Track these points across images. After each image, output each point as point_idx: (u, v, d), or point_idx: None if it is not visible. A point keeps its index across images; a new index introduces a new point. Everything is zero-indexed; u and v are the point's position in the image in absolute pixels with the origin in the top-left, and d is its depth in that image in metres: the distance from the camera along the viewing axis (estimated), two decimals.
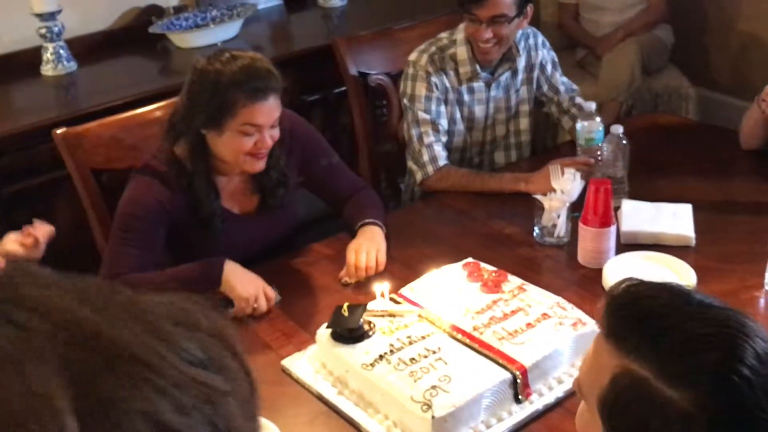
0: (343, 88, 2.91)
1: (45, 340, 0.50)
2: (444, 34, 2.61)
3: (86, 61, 3.31)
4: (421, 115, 2.53)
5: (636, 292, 1.06)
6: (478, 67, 2.56)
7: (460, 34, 2.55)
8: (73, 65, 3.25)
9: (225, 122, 1.96)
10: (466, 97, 2.60)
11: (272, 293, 1.98)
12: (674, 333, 0.99)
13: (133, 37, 3.46)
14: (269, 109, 1.97)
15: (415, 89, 2.55)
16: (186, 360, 0.54)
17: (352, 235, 2.18)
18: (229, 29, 3.49)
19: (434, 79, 2.53)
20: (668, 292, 1.05)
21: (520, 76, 2.66)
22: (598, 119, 2.44)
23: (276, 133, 2.03)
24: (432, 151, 2.52)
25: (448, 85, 2.56)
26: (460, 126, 2.64)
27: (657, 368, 0.97)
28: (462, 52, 2.55)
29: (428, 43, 2.60)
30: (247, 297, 1.93)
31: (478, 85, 2.60)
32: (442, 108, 2.56)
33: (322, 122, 3.34)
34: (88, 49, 3.39)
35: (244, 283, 1.95)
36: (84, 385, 0.49)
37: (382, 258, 2.09)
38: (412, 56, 2.59)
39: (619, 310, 1.04)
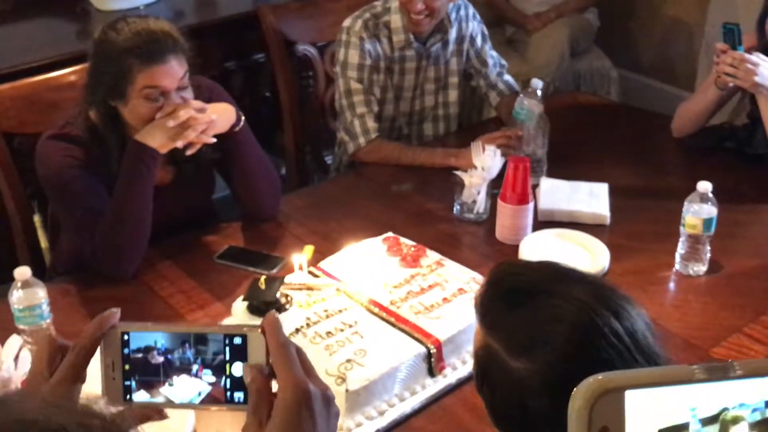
0: (262, 55, 2.84)
1: None
2: (378, 2, 2.60)
3: (0, 20, 3.18)
4: (354, 84, 2.52)
5: (505, 271, 1.12)
6: (411, 36, 2.56)
7: (394, 2, 2.54)
8: None
9: (126, 91, 1.90)
10: (397, 66, 2.60)
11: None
12: (527, 308, 1.04)
13: None
14: (168, 71, 1.89)
15: (348, 56, 2.53)
16: None
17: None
18: None
19: (368, 45, 2.52)
20: (537, 270, 1.11)
21: (451, 47, 2.66)
22: (538, 101, 2.45)
23: (187, 95, 1.96)
24: (364, 123, 2.51)
25: (380, 52, 2.55)
26: (390, 94, 2.63)
27: (506, 341, 1.04)
28: (396, 20, 2.54)
29: (362, 9, 2.58)
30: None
31: (410, 54, 2.60)
32: (374, 77, 2.55)
33: (242, 91, 3.28)
34: (3, 8, 3.25)
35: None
36: None
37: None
38: (346, 22, 2.56)
39: (488, 288, 1.10)
